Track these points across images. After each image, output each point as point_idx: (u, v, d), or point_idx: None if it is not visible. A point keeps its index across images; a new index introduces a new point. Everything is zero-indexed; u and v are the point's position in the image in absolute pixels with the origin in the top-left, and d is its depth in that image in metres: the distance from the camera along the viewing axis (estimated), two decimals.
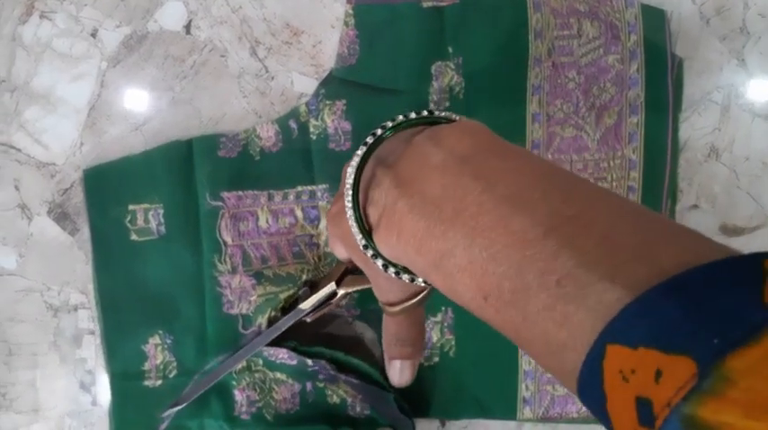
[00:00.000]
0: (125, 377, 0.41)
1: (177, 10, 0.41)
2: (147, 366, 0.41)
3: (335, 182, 0.40)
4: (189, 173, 0.40)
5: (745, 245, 0.42)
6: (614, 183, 0.40)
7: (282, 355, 0.39)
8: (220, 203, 0.40)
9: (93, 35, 0.41)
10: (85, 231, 0.42)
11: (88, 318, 0.42)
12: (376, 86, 0.40)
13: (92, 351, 0.42)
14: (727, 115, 0.41)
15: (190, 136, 0.41)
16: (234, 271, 0.40)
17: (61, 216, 0.42)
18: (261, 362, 0.40)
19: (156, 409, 0.40)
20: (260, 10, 0.41)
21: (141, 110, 0.41)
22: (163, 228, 0.40)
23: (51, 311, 0.42)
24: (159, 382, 0.41)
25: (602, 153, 0.40)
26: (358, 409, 0.40)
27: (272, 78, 0.41)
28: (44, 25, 0.41)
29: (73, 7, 0.41)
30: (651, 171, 0.40)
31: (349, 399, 0.40)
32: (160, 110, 0.41)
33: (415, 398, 0.40)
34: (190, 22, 0.41)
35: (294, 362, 0.39)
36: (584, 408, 0.40)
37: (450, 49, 0.40)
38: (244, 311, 0.40)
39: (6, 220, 0.42)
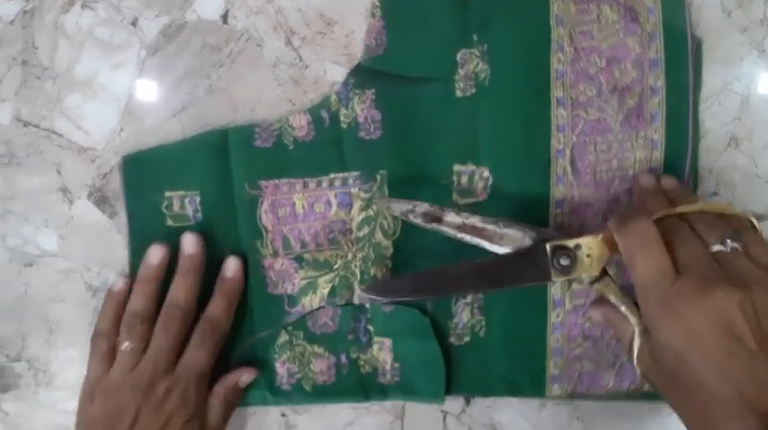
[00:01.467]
0: None
1: (215, 0, 0.42)
2: None
3: (366, 169, 0.41)
4: (225, 161, 0.42)
5: (764, 232, 0.43)
6: (637, 165, 0.41)
7: (324, 320, 0.42)
8: (259, 192, 0.41)
9: (134, 24, 0.42)
10: (124, 215, 0.43)
11: None
12: (404, 75, 0.41)
13: None
14: (747, 105, 0.42)
15: (226, 122, 0.42)
16: (275, 254, 0.42)
17: (101, 200, 0.43)
18: (302, 335, 0.42)
19: None
20: (295, 0, 0.42)
21: (179, 97, 0.42)
22: (199, 215, 0.42)
23: (91, 291, 0.44)
24: None
25: (626, 134, 0.41)
26: (388, 377, 0.42)
27: (306, 67, 0.42)
28: (86, 14, 0.42)
29: None
30: (673, 151, 0.41)
31: (380, 368, 0.42)
32: (197, 97, 0.42)
33: (447, 378, 0.42)
34: (227, 12, 0.42)
35: (336, 328, 0.42)
36: (611, 385, 0.42)
37: (475, 37, 0.41)
38: (289, 292, 0.42)
39: (48, 203, 0.43)
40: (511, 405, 0.43)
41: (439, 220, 0.38)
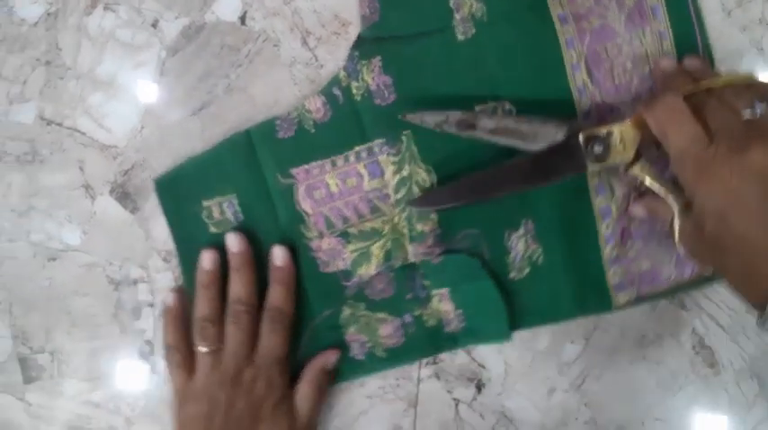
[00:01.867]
0: None
1: (233, 2, 0.43)
2: None
3: (390, 134, 0.42)
4: (253, 159, 0.43)
5: None
6: (651, 59, 0.42)
7: (380, 286, 0.43)
8: (292, 180, 0.43)
9: (154, 26, 0.44)
10: (145, 209, 0.44)
11: (147, 292, 0.45)
12: (404, 35, 0.42)
13: (150, 322, 0.45)
14: None
15: (245, 121, 0.44)
16: (321, 235, 0.43)
17: (122, 195, 0.45)
18: (363, 306, 0.44)
19: None
20: (311, 2, 0.43)
21: (198, 96, 0.44)
22: (241, 215, 0.43)
23: (112, 285, 0.45)
24: None
25: (632, 33, 0.42)
26: (453, 326, 0.44)
27: (322, 67, 0.44)
28: (108, 16, 0.44)
29: None
30: (682, 38, 0.42)
31: (444, 319, 0.44)
32: (216, 96, 0.44)
33: (515, 312, 0.43)
34: (245, 13, 0.43)
35: (393, 291, 0.43)
36: (673, 277, 0.43)
37: None
38: (341, 268, 0.43)
39: (71, 200, 0.45)
40: (521, 392, 0.45)
41: (473, 127, 0.39)
